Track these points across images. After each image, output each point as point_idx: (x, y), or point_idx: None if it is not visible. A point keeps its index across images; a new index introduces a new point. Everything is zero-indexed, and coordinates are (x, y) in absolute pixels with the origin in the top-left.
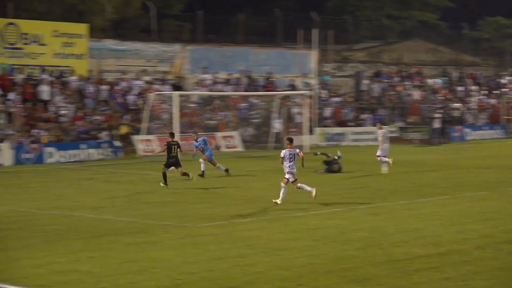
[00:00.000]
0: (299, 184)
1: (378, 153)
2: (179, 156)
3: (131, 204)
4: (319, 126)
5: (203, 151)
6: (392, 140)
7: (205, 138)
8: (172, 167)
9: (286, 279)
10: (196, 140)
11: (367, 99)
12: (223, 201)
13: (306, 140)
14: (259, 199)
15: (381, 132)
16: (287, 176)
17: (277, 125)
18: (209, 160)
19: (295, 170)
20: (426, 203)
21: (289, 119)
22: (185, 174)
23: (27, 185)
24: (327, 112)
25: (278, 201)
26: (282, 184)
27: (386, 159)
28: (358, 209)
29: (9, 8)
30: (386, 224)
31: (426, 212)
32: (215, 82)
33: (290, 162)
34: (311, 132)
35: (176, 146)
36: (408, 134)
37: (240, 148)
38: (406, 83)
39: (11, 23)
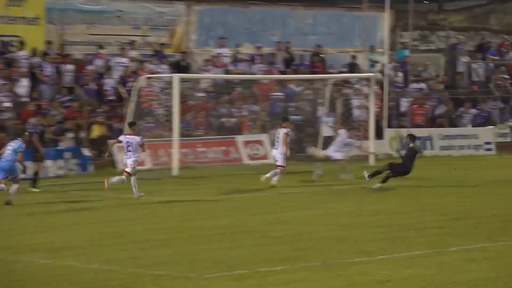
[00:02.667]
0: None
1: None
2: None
3: (108, 244)
4: (391, 126)
5: None
6: (504, 147)
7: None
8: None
9: None
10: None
11: (465, 85)
12: (246, 238)
13: (370, 146)
14: (300, 236)
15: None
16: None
17: (328, 124)
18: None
19: (131, 160)
20: None
21: (346, 116)
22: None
23: None
24: (405, 105)
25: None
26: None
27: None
28: (451, 252)
29: None
30: (492, 275)
31: None
32: (235, 60)
33: (127, 151)
34: (379, 135)
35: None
36: None
37: (271, 159)
38: None
39: None
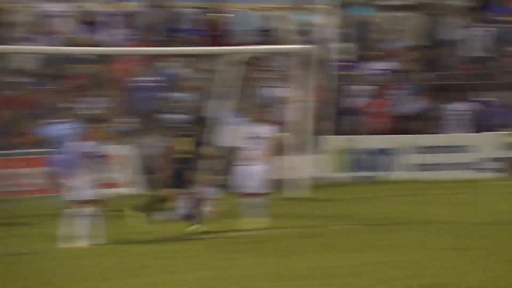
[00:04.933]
0: None
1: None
2: None
3: None
4: (332, 133)
5: None
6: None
7: None
8: None
9: None
10: None
11: (455, 64)
12: None
13: (300, 165)
14: None
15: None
16: None
17: (229, 128)
18: None
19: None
20: None
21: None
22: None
23: None
24: (360, 96)
25: None
26: None
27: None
28: None
29: None
30: None
31: None
32: (79, 22)
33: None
34: (313, 146)
35: None
36: None
37: (131, 187)
38: None
39: None
